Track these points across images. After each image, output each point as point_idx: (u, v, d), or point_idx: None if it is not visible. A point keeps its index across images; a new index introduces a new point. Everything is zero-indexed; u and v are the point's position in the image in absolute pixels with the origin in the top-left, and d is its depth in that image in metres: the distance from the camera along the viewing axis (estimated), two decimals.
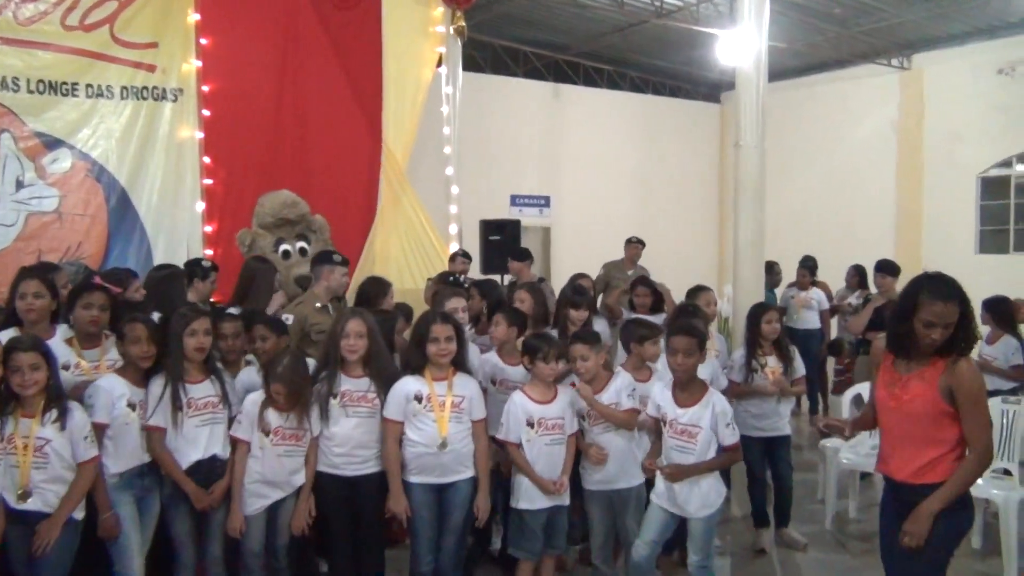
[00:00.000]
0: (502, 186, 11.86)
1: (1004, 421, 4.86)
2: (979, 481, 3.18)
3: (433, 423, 3.72)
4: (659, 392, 3.87)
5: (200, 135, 7.04)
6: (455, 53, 8.52)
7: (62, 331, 3.73)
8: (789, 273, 8.68)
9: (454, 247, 8.11)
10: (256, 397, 3.68)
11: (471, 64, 10.39)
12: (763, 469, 5.06)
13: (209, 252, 6.86)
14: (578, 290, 5.03)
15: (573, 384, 3.97)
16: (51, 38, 6.47)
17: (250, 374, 3.99)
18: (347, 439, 3.73)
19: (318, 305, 4.84)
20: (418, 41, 8.22)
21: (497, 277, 8.04)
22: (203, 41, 7.02)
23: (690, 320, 4.19)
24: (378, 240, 7.79)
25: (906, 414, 2.98)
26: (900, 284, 6.82)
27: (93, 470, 3.34)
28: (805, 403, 8.54)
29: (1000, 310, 5.89)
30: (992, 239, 11.50)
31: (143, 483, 3.58)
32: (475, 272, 7.82)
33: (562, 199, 12.62)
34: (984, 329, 5.45)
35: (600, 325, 4.99)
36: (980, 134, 11.27)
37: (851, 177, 12.56)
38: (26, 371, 3.16)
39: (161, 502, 3.65)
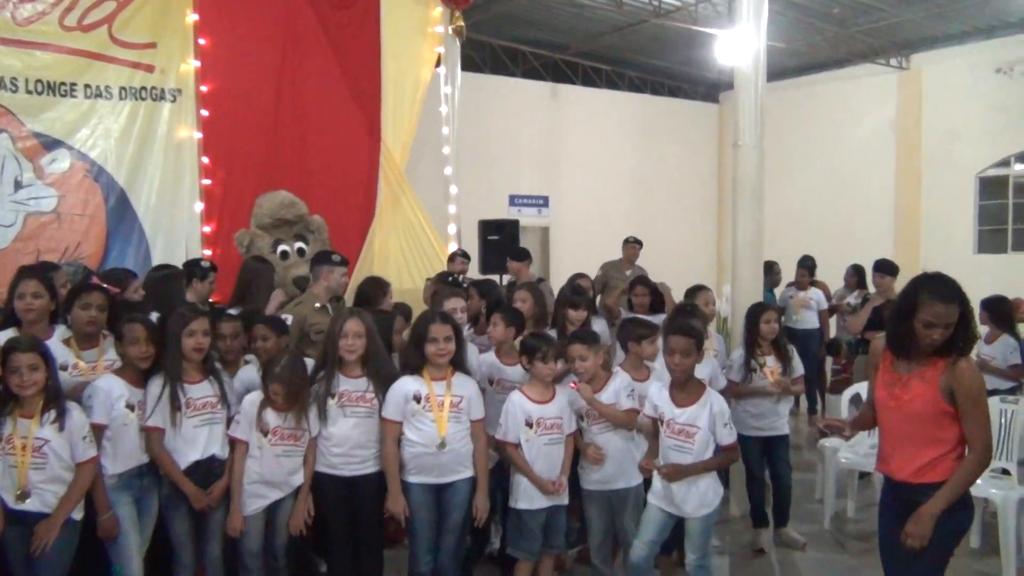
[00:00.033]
0: (501, 186, 11.87)
1: (1002, 421, 4.87)
2: (978, 480, 3.18)
3: (432, 423, 3.72)
4: (656, 392, 3.87)
5: (198, 135, 7.03)
6: (454, 53, 8.52)
7: (60, 331, 3.73)
8: (788, 273, 8.69)
9: (453, 247, 8.11)
10: (254, 397, 3.68)
11: (470, 64, 10.40)
12: (762, 469, 5.06)
13: (208, 252, 6.85)
14: (577, 290, 5.03)
15: (574, 384, 3.97)
16: (49, 38, 6.46)
17: (250, 372, 3.99)
18: (345, 439, 3.73)
19: (317, 305, 4.85)
20: (417, 41, 8.22)
21: (496, 277, 8.05)
22: (201, 41, 7.01)
23: (687, 320, 4.19)
24: (377, 240, 7.79)
25: (906, 414, 2.99)
26: (899, 284, 6.84)
27: (92, 470, 3.34)
28: (804, 403, 8.55)
29: (998, 310, 5.90)
30: (990, 239, 11.51)
31: (142, 484, 3.58)
32: (474, 272, 7.82)
33: (561, 199, 12.62)
34: (982, 329, 5.46)
35: (599, 325, 4.99)
36: (979, 134, 11.28)
37: (850, 177, 12.57)
38: (25, 371, 3.16)
39: (160, 502, 3.65)
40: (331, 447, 3.74)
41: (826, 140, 12.86)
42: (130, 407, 3.50)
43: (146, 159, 6.89)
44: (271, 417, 3.63)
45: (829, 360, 8.37)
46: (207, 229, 7.02)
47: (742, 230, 5.74)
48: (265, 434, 3.62)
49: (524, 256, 7.32)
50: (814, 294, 8.41)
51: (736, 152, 5.77)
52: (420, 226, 7.96)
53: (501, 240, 8.89)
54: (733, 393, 4.91)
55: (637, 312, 5.50)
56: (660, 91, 14.21)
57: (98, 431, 3.40)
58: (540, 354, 3.84)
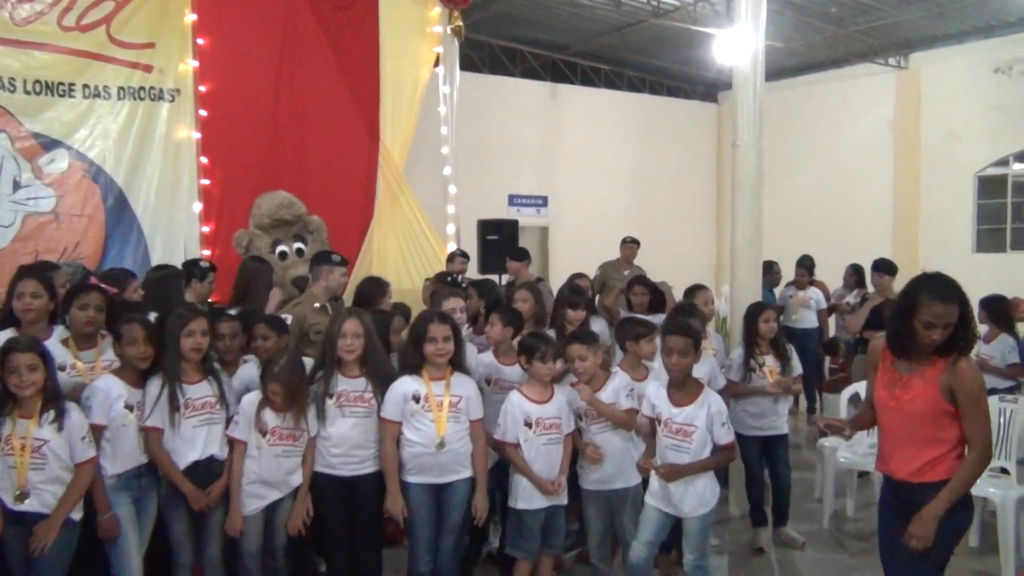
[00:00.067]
0: (500, 186, 11.86)
1: (1001, 420, 4.87)
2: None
3: (431, 423, 3.72)
4: (654, 391, 3.86)
5: (197, 135, 7.03)
6: (452, 53, 8.51)
7: (59, 332, 3.73)
8: (788, 272, 8.69)
9: (452, 247, 8.11)
10: (253, 397, 3.68)
11: (468, 64, 10.40)
12: (761, 468, 5.06)
13: (206, 252, 6.85)
14: (576, 290, 5.02)
15: (574, 383, 3.97)
16: (48, 38, 6.45)
17: (250, 369, 3.99)
18: (344, 439, 3.73)
19: (317, 305, 4.85)
20: (416, 41, 8.22)
21: (495, 277, 8.05)
22: (200, 41, 7.01)
23: (685, 320, 4.19)
24: (376, 240, 7.79)
25: (907, 414, 2.99)
26: (897, 283, 6.86)
27: (91, 471, 3.33)
28: (803, 402, 8.56)
29: (997, 309, 5.90)
30: (989, 238, 11.51)
31: (140, 484, 3.58)
32: (473, 272, 7.82)
33: (560, 199, 12.61)
34: (981, 328, 5.46)
35: (598, 325, 4.99)
36: (977, 133, 11.28)
37: (849, 176, 12.57)
38: (23, 372, 3.15)
39: (158, 503, 3.65)
40: (330, 447, 3.74)
41: (825, 140, 12.86)
42: (129, 407, 3.50)
43: (145, 159, 6.88)
44: (270, 417, 3.63)
45: (827, 359, 8.38)
46: (206, 229, 7.02)
47: (741, 229, 5.74)
48: (264, 434, 3.62)
49: (523, 256, 7.32)
50: (813, 293, 8.42)
51: (735, 152, 5.77)
52: (419, 226, 7.96)
53: (500, 240, 8.89)
54: (732, 393, 4.91)
55: (636, 312, 5.50)
56: (659, 91, 14.20)
57: (97, 431, 3.40)
58: (539, 354, 3.84)
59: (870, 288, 7.61)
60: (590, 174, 12.82)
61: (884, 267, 7.17)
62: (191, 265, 5.24)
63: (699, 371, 4.06)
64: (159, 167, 6.92)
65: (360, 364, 3.78)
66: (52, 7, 6.43)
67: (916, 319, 2.88)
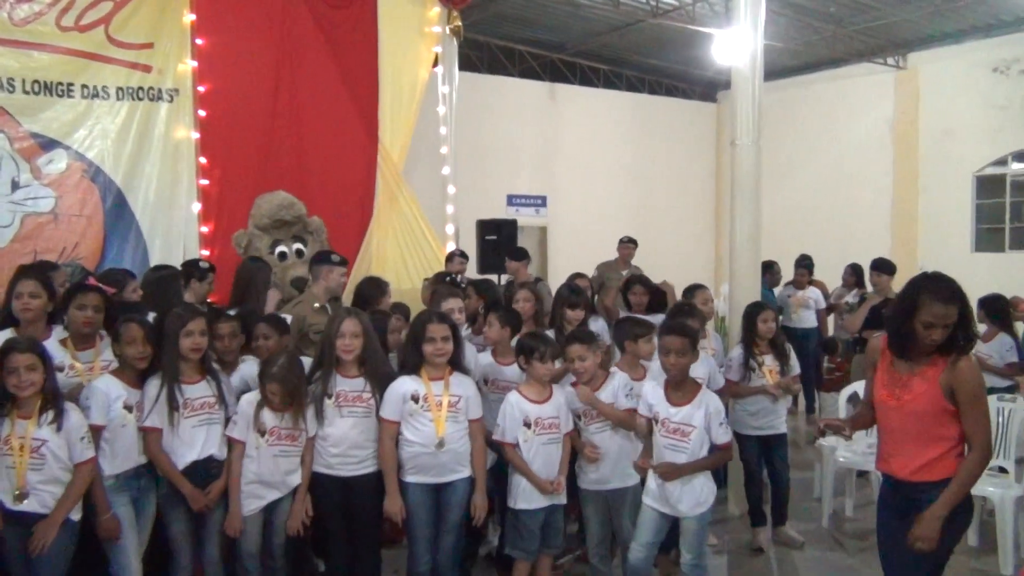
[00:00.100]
0: (498, 186, 11.86)
1: (1000, 419, 4.88)
2: None
3: (430, 423, 3.72)
4: (651, 391, 3.86)
5: (196, 135, 7.01)
6: (451, 53, 8.51)
7: (58, 332, 3.73)
8: (787, 272, 8.70)
9: (451, 247, 8.11)
10: (251, 397, 3.68)
11: (467, 64, 10.39)
12: (760, 468, 5.06)
13: (206, 253, 6.84)
14: (575, 290, 5.02)
15: (575, 384, 3.97)
16: (46, 39, 6.44)
17: (251, 367, 3.98)
18: (342, 439, 3.73)
19: (316, 305, 4.85)
20: (414, 41, 8.21)
21: (494, 277, 8.05)
22: (199, 41, 6.99)
23: (682, 319, 4.19)
24: (375, 240, 7.78)
25: (908, 413, 2.99)
26: (896, 283, 6.86)
27: (90, 471, 3.33)
28: (802, 401, 8.56)
29: (995, 308, 5.91)
30: (988, 237, 11.53)
31: (139, 484, 3.58)
32: (472, 272, 7.81)
33: (558, 199, 12.62)
34: (980, 327, 5.47)
35: (597, 325, 4.99)
36: (975, 132, 11.30)
37: (847, 176, 12.58)
38: (22, 372, 3.16)
39: (157, 503, 3.65)
40: (328, 447, 3.74)
41: (823, 139, 12.87)
42: (128, 408, 3.50)
43: (143, 159, 6.86)
44: (268, 417, 3.63)
45: (825, 358, 8.39)
46: (205, 229, 7.00)
47: (740, 229, 5.74)
48: (262, 434, 3.62)
49: (522, 256, 7.32)
50: (812, 293, 8.42)
51: (734, 151, 5.77)
52: (418, 226, 7.95)
53: (499, 240, 8.88)
54: (732, 393, 4.92)
55: (635, 311, 5.50)
56: (657, 90, 14.21)
57: (96, 432, 3.40)
58: (538, 354, 3.84)
59: (869, 288, 7.62)
60: (589, 174, 12.83)
61: (883, 267, 7.18)
62: (190, 265, 5.24)
63: (698, 371, 4.07)
64: (158, 167, 6.91)
65: (359, 364, 3.78)
66: (51, 7, 6.42)
67: (916, 319, 2.89)
